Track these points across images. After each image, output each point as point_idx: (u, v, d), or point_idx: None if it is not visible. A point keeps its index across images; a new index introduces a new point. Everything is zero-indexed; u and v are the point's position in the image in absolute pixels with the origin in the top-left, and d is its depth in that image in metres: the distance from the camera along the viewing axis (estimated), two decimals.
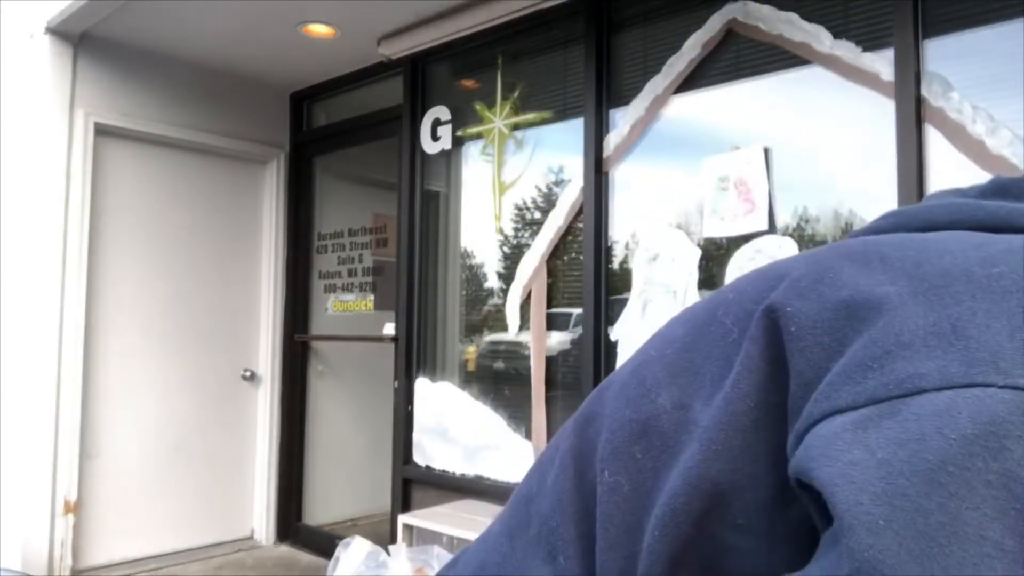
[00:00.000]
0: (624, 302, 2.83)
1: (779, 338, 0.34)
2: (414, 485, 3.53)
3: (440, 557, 2.73)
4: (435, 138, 3.54)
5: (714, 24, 2.61)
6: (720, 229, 2.57)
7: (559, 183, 3.10)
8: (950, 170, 2.12)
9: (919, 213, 0.42)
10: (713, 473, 0.33)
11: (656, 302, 2.73)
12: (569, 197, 3.03)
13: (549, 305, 3.10)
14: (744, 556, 0.32)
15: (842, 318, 0.32)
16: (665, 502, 0.35)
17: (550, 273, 3.10)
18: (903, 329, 0.30)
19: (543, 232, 3.11)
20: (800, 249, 2.39)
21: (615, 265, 2.90)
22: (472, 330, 3.45)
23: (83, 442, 3.59)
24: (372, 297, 4.08)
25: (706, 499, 0.34)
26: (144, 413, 3.83)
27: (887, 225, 0.43)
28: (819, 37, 2.37)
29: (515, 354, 3.24)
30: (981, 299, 0.30)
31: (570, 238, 3.06)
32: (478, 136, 3.40)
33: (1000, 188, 0.41)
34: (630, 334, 2.81)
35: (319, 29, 3.48)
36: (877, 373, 0.29)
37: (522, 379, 3.16)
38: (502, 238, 3.33)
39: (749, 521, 0.33)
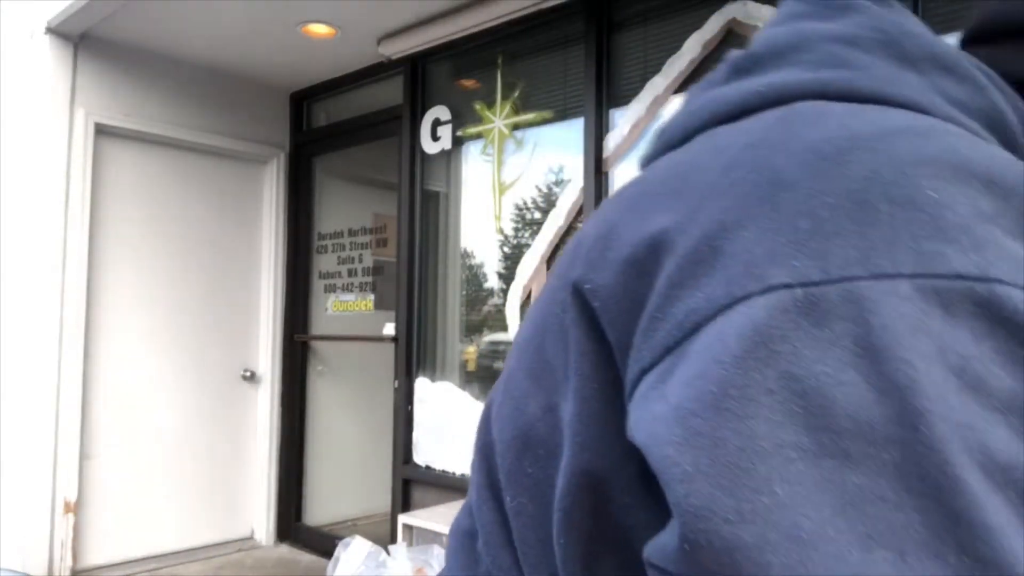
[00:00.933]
0: None
1: (592, 315, 0.33)
2: (414, 485, 3.53)
3: (440, 557, 2.73)
4: (435, 138, 3.54)
5: (714, 24, 2.61)
6: None
7: (559, 183, 3.11)
8: None
9: (678, 124, 0.40)
10: (585, 464, 0.33)
11: None
12: (569, 197, 3.03)
13: None
14: (646, 530, 0.31)
15: (632, 278, 0.32)
16: (557, 508, 0.34)
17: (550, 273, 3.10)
18: (674, 268, 0.30)
19: (543, 232, 3.11)
20: None
21: None
22: (472, 330, 3.45)
23: (83, 442, 3.59)
24: (372, 297, 4.09)
25: (589, 491, 0.33)
26: (144, 413, 3.83)
27: (659, 147, 0.42)
28: None
29: None
30: (729, 211, 0.29)
31: (570, 238, 3.05)
32: (478, 136, 3.40)
33: (735, 67, 0.40)
34: None
35: (319, 29, 3.48)
36: (663, 322, 0.29)
37: None
38: (502, 238, 3.33)
39: (633, 498, 0.33)
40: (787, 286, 0.26)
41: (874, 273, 0.26)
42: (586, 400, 0.33)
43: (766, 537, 0.24)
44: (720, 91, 0.39)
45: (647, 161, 0.43)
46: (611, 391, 0.33)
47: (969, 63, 0.36)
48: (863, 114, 0.32)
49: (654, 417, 0.28)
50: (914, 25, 0.37)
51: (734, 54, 0.41)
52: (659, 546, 0.28)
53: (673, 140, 0.40)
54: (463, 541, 0.44)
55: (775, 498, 0.24)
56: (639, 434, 0.28)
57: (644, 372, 0.29)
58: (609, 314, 0.32)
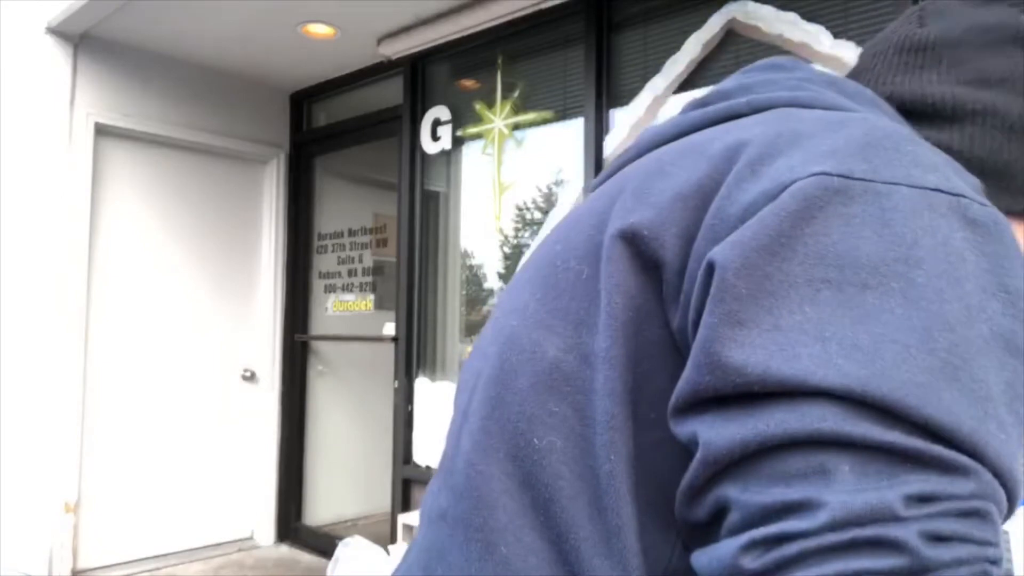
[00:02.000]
0: None
1: (637, 248, 0.40)
2: (414, 485, 3.53)
3: None
4: (435, 138, 3.54)
5: (714, 24, 2.61)
6: None
7: (559, 183, 3.10)
8: None
9: (666, 130, 0.52)
10: (632, 385, 0.39)
11: None
12: (569, 197, 3.03)
13: None
14: (670, 446, 0.38)
15: (678, 210, 0.40)
16: (605, 426, 0.39)
17: None
18: (723, 192, 0.39)
19: (543, 232, 3.11)
20: None
21: None
22: (472, 330, 3.45)
23: (83, 442, 3.58)
24: (372, 297, 4.08)
25: (632, 408, 0.39)
26: (144, 413, 3.83)
27: (632, 154, 0.53)
28: (819, 37, 2.37)
29: None
30: (763, 147, 0.41)
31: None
32: (478, 136, 3.40)
33: (701, 101, 0.54)
34: None
35: (319, 29, 3.48)
36: (725, 221, 0.38)
37: None
38: (502, 238, 3.33)
39: (658, 413, 0.38)
40: (826, 174, 0.37)
41: (883, 179, 0.37)
42: (623, 326, 0.40)
43: (797, 340, 0.33)
44: (709, 109, 0.51)
45: (628, 162, 0.52)
46: (645, 317, 0.40)
47: (866, 89, 0.52)
48: (833, 111, 0.46)
49: (718, 250, 0.36)
50: (834, 75, 0.53)
51: (696, 98, 0.55)
52: (684, 380, 0.36)
53: (650, 146, 0.51)
54: (437, 524, 0.46)
55: (804, 315, 0.34)
56: (704, 269, 0.37)
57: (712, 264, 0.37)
58: (660, 239, 0.40)
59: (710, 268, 0.36)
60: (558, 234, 0.48)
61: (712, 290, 0.35)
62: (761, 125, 0.42)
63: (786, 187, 0.36)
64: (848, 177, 0.36)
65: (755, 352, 0.33)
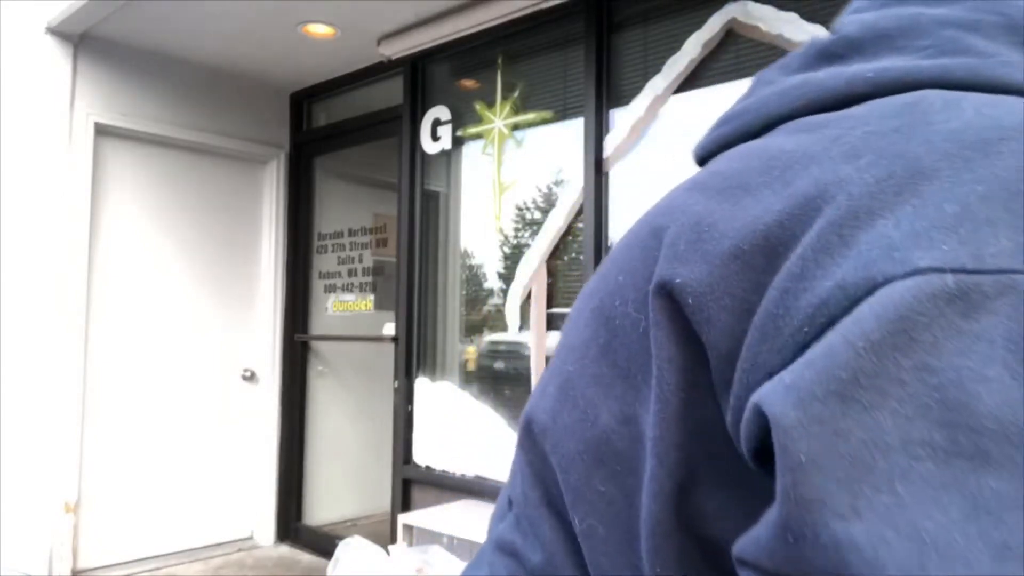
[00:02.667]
0: None
1: (681, 313, 0.31)
2: (414, 485, 3.53)
3: (440, 557, 2.73)
4: (435, 138, 3.54)
5: (714, 24, 2.61)
6: None
7: (559, 183, 3.11)
8: None
9: (758, 109, 0.38)
10: (686, 480, 0.31)
11: None
12: (569, 197, 3.03)
13: (549, 305, 3.10)
14: (733, 538, 0.30)
15: (735, 273, 0.29)
16: (650, 532, 0.32)
17: (550, 273, 3.10)
18: (795, 261, 0.28)
19: (543, 232, 3.11)
20: None
21: None
22: (472, 330, 3.45)
23: (83, 442, 3.59)
24: (372, 297, 4.09)
25: (681, 510, 0.31)
26: (144, 413, 3.83)
27: (730, 133, 0.39)
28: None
29: (515, 354, 3.24)
30: (859, 198, 0.27)
31: (570, 238, 3.06)
32: (478, 136, 3.40)
33: (824, 53, 0.37)
34: None
35: (319, 29, 3.48)
36: (788, 319, 0.27)
37: (522, 379, 3.16)
38: (502, 238, 3.33)
39: (717, 504, 0.31)
40: (936, 270, 0.24)
41: None
42: (675, 413, 0.31)
43: (883, 536, 0.22)
44: (812, 77, 0.36)
45: (709, 151, 0.40)
46: (698, 398, 0.31)
47: None
48: (1002, 104, 0.30)
49: (771, 393, 0.26)
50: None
51: (818, 39, 0.38)
52: (753, 539, 0.26)
53: (751, 128, 0.38)
54: (507, 562, 0.40)
55: (896, 497, 0.22)
56: (752, 413, 0.27)
57: (770, 375, 0.27)
58: (706, 311, 0.30)
59: (759, 414, 0.26)
60: (624, 254, 0.37)
61: (775, 447, 0.25)
62: (873, 145, 0.29)
63: (873, 289, 0.25)
64: (972, 272, 0.24)
65: (823, 551, 0.23)
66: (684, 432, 0.31)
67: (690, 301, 0.30)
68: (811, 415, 0.24)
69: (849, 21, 0.38)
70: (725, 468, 0.30)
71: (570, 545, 0.36)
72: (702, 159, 0.41)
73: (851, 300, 0.25)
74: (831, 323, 0.26)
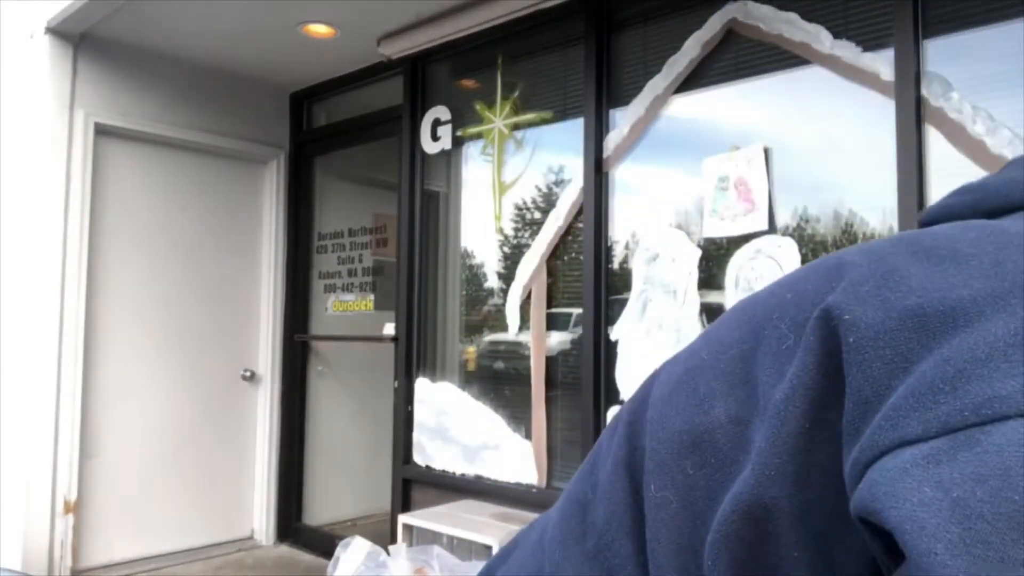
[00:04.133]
0: (624, 302, 2.83)
1: (837, 348, 0.30)
2: (414, 485, 3.53)
3: (440, 557, 2.72)
4: (435, 138, 3.54)
5: (714, 24, 2.61)
6: (720, 229, 2.57)
7: (559, 183, 3.10)
8: (950, 170, 2.12)
9: (999, 188, 0.36)
10: (766, 500, 0.30)
11: (656, 302, 2.73)
12: (569, 197, 3.03)
13: (549, 305, 3.10)
14: None
15: (909, 330, 0.28)
16: (717, 528, 0.31)
17: (550, 273, 3.10)
18: (980, 343, 0.26)
19: (543, 232, 3.11)
20: (799, 250, 2.39)
21: (615, 265, 2.90)
22: (472, 330, 3.45)
23: (83, 442, 3.58)
24: (372, 297, 4.08)
25: (758, 526, 0.30)
26: (144, 413, 3.83)
27: (959, 205, 0.38)
28: (819, 37, 2.37)
29: (515, 354, 3.24)
30: None
31: (570, 238, 3.06)
32: (478, 136, 3.40)
33: None
34: (630, 334, 2.81)
35: (319, 29, 3.48)
36: (950, 397, 0.25)
37: (522, 379, 3.16)
38: (502, 238, 3.33)
39: (803, 551, 0.30)
40: None
41: None
42: (791, 436, 0.30)
43: None
44: None
45: (935, 220, 0.39)
46: (820, 435, 0.30)
47: None
48: None
49: (922, 502, 0.24)
50: None
51: None
52: None
53: (983, 206, 0.36)
54: (573, 508, 0.41)
55: None
56: (889, 514, 0.25)
57: (904, 444, 0.26)
58: (862, 355, 0.29)
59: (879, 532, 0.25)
60: (803, 277, 0.36)
61: (905, 551, 0.24)
62: None
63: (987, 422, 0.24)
64: None
65: None
66: (793, 462, 0.30)
67: (851, 340, 0.29)
68: (975, 534, 0.23)
69: None
70: (824, 520, 0.30)
71: (634, 513, 0.37)
72: (928, 225, 0.40)
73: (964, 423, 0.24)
74: (998, 420, 0.24)
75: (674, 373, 0.38)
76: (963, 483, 0.23)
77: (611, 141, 2.89)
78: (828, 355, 0.30)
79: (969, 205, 0.38)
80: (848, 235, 2.38)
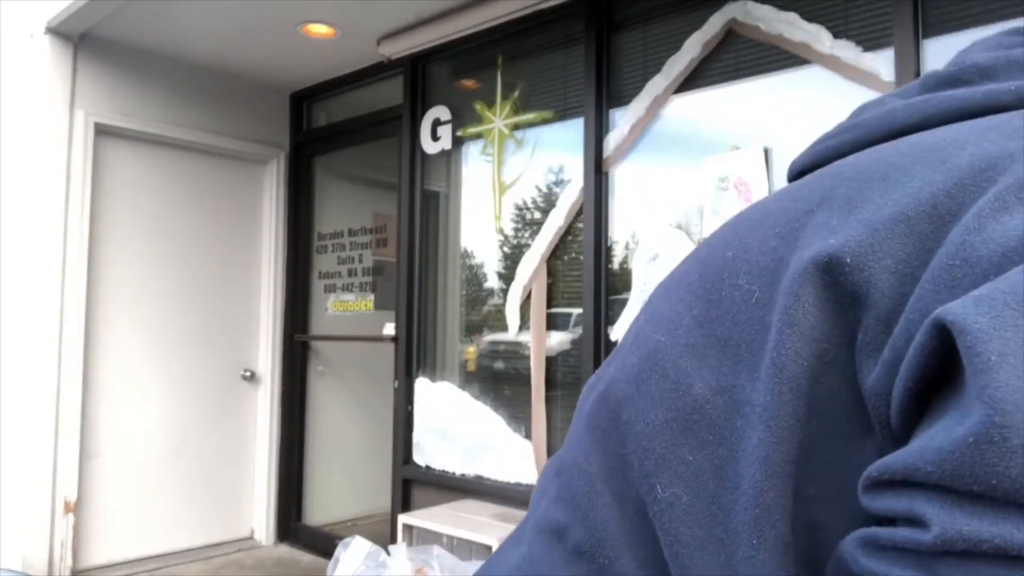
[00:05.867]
0: (624, 302, 2.83)
1: (834, 279, 0.30)
2: (414, 485, 3.53)
3: (440, 557, 2.72)
4: (435, 138, 3.54)
5: (714, 24, 2.61)
6: None
7: (559, 183, 3.11)
8: None
9: (882, 120, 0.38)
10: (791, 453, 0.30)
11: None
12: (569, 197, 3.03)
13: (549, 305, 3.10)
14: (834, 533, 0.29)
15: (898, 236, 0.29)
16: (751, 502, 0.30)
17: (550, 273, 3.10)
18: (971, 219, 0.28)
19: (543, 232, 3.11)
20: None
21: (615, 265, 2.90)
22: (472, 330, 3.45)
23: (83, 442, 3.59)
24: (372, 297, 4.08)
25: (791, 482, 0.30)
26: (144, 413, 3.83)
27: (844, 144, 0.39)
28: (819, 37, 2.37)
29: (515, 354, 3.24)
30: None
31: (570, 238, 3.06)
32: (478, 136, 3.40)
33: (950, 79, 0.38)
34: None
35: (319, 29, 3.48)
36: (969, 268, 0.27)
37: (522, 379, 3.16)
38: (502, 238, 3.33)
39: (819, 488, 0.30)
40: None
41: None
42: (794, 379, 0.30)
43: None
44: (941, 94, 0.37)
45: (813, 165, 0.40)
46: (825, 366, 0.30)
47: None
48: None
49: (959, 305, 0.25)
50: None
51: (936, 72, 0.39)
52: (920, 451, 0.25)
53: (872, 138, 0.38)
54: (548, 541, 0.39)
55: None
56: (927, 334, 0.26)
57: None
58: (866, 271, 0.29)
59: (940, 329, 0.26)
60: (732, 234, 0.37)
61: (963, 354, 0.25)
62: None
63: None
64: None
65: (1014, 454, 0.23)
66: (800, 397, 0.30)
67: (848, 260, 0.30)
68: (1001, 318, 0.24)
69: (973, 54, 0.38)
70: (832, 448, 0.30)
71: (622, 525, 0.35)
72: (801, 174, 0.40)
73: None
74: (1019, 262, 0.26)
75: (629, 364, 0.37)
76: (990, 283, 0.25)
77: (611, 141, 2.89)
78: (829, 288, 0.30)
79: (851, 143, 0.39)
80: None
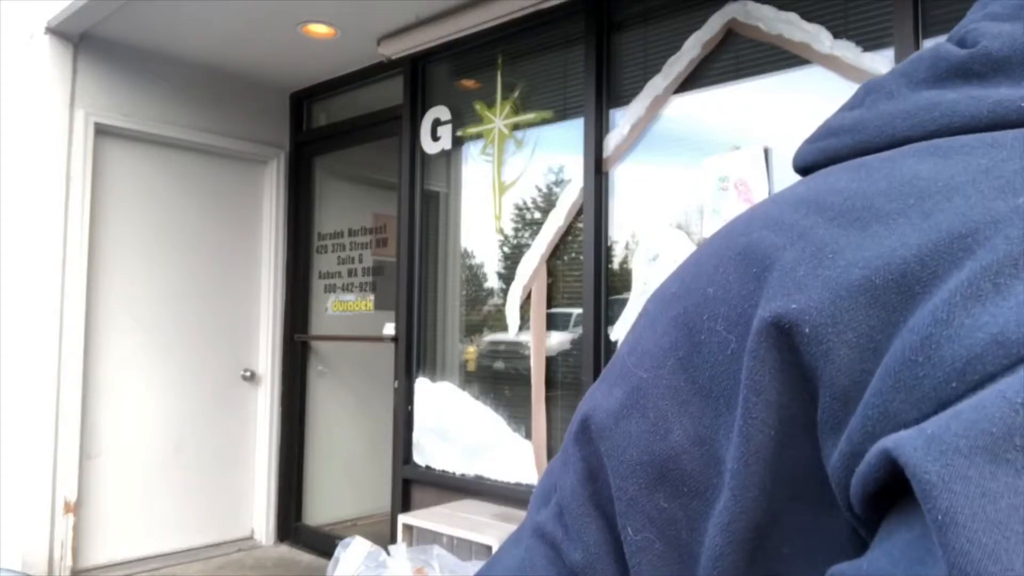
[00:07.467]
0: (624, 302, 2.83)
1: (794, 345, 0.28)
2: (414, 485, 3.53)
3: (440, 557, 2.73)
4: (435, 138, 3.54)
5: (714, 24, 2.61)
6: None
7: (559, 183, 3.11)
8: None
9: (881, 129, 0.35)
10: (755, 521, 0.29)
11: None
12: (569, 197, 3.03)
13: (549, 305, 3.10)
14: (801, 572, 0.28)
15: (864, 307, 0.27)
16: (710, 563, 0.30)
17: (550, 273, 3.10)
18: (941, 304, 0.25)
19: (543, 232, 3.11)
20: None
21: (615, 265, 2.90)
22: (472, 330, 3.45)
23: (83, 442, 3.59)
24: (372, 297, 4.09)
25: (751, 547, 0.29)
26: (144, 413, 3.83)
27: (841, 148, 0.36)
28: (819, 37, 2.37)
29: (515, 354, 3.24)
30: (1018, 243, 0.25)
31: (570, 238, 3.06)
32: (478, 136, 3.40)
33: (960, 69, 0.34)
34: None
35: (319, 29, 3.48)
36: (929, 367, 0.24)
37: (522, 379, 3.16)
38: (502, 238, 3.33)
39: (793, 548, 0.29)
40: None
41: None
42: (759, 449, 0.29)
43: None
44: (945, 98, 0.33)
45: (816, 163, 0.37)
46: (789, 435, 0.29)
47: None
48: None
49: (908, 441, 0.23)
50: None
51: (948, 49, 0.35)
52: (874, 570, 0.24)
53: (871, 147, 0.35)
54: (544, 550, 0.38)
55: None
56: (879, 459, 0.24)
57: (905, 428, 0.25)
58: (824, 344, 0.27)
59: (892, 462, 0.24)
60: (716, 262, 0.34)
61: (919, 497, 0.23)
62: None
63: (1013, 367, 0.23)
64: None
65: None
66: (769, 471, 0.29)
67: (807, 331, 0.28)
68: (952, 469, 0.22)
69: (988, 32, 0.34)
70: (805, 511, 0.29)
71: (614, 549, 0.35)
72: (806, 170, 0.38)
73: (1012, 359, 0.23)
74: (986, 380, 0.23)
75: (612, 400, 0.36)
76: (943, 419, 0.23)
77: (611, 141, 2.89)
78: (783, 357, 0.29)
79: (851, 147, 0.36)
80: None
